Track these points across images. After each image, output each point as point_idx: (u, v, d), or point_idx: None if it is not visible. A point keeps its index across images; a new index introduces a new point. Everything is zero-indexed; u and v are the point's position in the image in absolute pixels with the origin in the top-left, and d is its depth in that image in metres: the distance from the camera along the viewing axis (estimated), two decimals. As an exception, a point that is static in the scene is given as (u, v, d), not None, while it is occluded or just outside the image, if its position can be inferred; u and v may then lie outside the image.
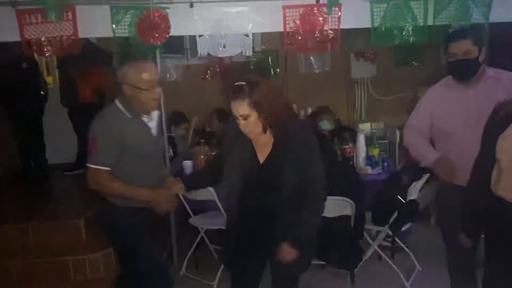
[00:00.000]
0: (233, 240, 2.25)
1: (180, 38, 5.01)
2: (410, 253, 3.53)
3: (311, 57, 5.33)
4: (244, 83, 2.01)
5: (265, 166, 2.13)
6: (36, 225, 3.49)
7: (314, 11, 3.15)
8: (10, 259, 3.26)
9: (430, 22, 3.23)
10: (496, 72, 2.50)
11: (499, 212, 1.96)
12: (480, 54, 2.40)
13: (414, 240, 3.84)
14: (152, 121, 2.43)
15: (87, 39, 4.03)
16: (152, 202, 2.36)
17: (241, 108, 2.00)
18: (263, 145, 2.13)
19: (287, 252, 2.08)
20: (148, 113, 2.39)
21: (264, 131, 2.07)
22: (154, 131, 2.42)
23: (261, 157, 2.14)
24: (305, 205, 2.08)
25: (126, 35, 3.13)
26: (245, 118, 2.02)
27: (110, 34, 3.13)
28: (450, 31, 2.88)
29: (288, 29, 3.18)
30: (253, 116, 2.01)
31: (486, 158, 1.99)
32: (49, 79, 5.63)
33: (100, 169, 2.28)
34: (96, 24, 3.11)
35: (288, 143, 2.07)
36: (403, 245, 3.56)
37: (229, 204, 2.29)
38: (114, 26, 3.09)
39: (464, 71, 2.43)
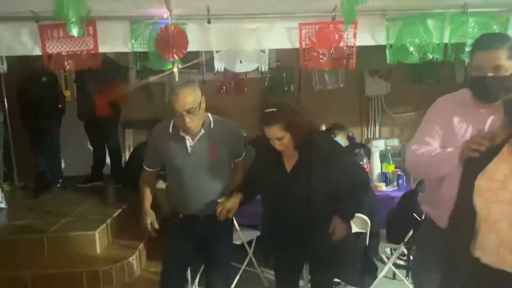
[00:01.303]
0: (270, 249, 2.56)
1: (196, 53, 5.08)
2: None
3: (325, 74, 5.34)
4: (275, 109, 2.24)
5: (291, 174, 2.34)
6: (50, 236, 3.52)
7: (330, 28, 3.18)
8: (25, 270, 3.28)
9: (446, 39, 3.24)
10: None
11: (479, 278, 1.54)
12: None
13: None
14: (193, 141, 2.43)
15: (104, 54, 4.11)
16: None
17: (277, 132, 2.24)
18: (290, 156, 2.35)
19: (339, 227, 2.25)
20: (186, 132, 2.42)
21: (296, 147, 2.30)
22: (190, 150, 2.44)
23: (288, 167, 2.36)
24: (353, 190, 2.31)
25: (145, 50, 3.19)
26: (280, 139, 2.26)
27: (129, 49, 3.19)
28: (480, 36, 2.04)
29: (304, 46, 3.21)
30: (287, 136, 2.26)
31: (466, 206, 1.57)
32: (67, 93, 5.74)
33: (144, 168, 2.62)
34: (115, 39, 3.17)
35: (313, 153, 2.29)
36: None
37: (263, 215, 2.53)
38: (133, 41, 3.15)
39: (490, 91, 1.87)
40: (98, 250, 3.49)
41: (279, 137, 2.26)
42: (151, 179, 2.66)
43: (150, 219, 2.53)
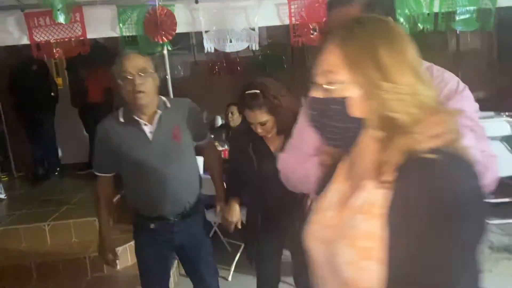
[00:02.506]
0: (255, 232, 2.28)
1: (186, 34, 5.04)
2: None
3: (319, 51, 5.32)
4: (258, 91, 2.04)
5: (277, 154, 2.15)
6: (51, 225, 3.56)
7: (319, 2, 3.15)
8: (29, 259, 3.33)
9: (436, 9, 3.22)
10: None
11: None
12: None
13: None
14: (151, 125, 2.05)
15: (94, 40, 4.07)
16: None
17: (259, 117, 2.06)
18: (273, 139, 2.16)
19: None
20: (143, 114, 2.03)
21: (280, 132, 2.10)
22: (151, 136, 2.04)
23: (273, 148, 2.17)
24: None
25: (133, 33, 3.16)
26: (263, 124, 2.08)
27: (118, 34, 3.16)
28: None
29: (293, 22, 3.19)
30: (271, 121, 2.07)
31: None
32: (59, 81, 5.71)
33: (98, 175, 2.18)
34: (103, 24, 3.15)
35: None
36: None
37: (249, 197, 2.32)
38: (121, 25, 3.12)
39: None
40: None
41: (262, 122, 2.07)
42: (108, 187, 2.18)
43: (110, 252, 2.18)
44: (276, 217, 2.20)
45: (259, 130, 2.10)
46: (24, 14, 3.06)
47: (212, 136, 3.86)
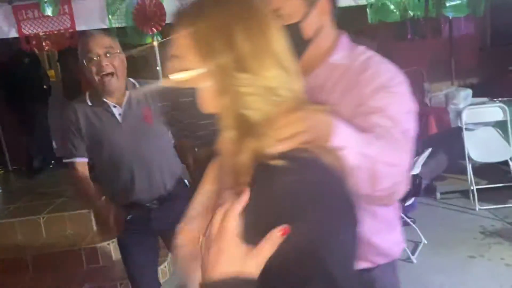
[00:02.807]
0: None
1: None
2: (415, 227, 3.56)
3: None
4: None
5: None
6: (47, 217, 3.58)
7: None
8: (25, 251, 3.36)
9: (426, -6, 3.20)
10: None
11: None
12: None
13: (419, 214, 3.87)
14: (120, 107, 1.94)
15: (84, 31, 4.05)
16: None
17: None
18: None
19: None
20: (111, 96, 1.92)
21: None
22: (120, 118, 1.94)
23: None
24: None
25: (123, 25, 3.14)
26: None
27: (107, 25, 3.14)
28: None
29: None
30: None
31: None
32: (51, 73, 5.68)
33: (74, 163, 1.99)
34: (92, 16, 3.12)
35: None
36: (407, 219, 3.59)
37: None
38: (110, 17, 3.10)
39: None
40: (95, 227, 3.55)
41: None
42: (85, 173, 2.01)
43: (114, 212, 1.96)
44: None
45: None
46: (12, 7, 3.04)
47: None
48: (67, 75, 4.99)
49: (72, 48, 3.47)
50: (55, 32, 3.11)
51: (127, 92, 1.95)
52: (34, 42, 3.19)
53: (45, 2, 2.89)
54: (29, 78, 4.66)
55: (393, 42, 5.31)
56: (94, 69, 1.84)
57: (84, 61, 1.85)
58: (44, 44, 3.18)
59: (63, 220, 3.56)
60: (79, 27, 3.13)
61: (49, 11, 2.94)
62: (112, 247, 3.36)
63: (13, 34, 3.09)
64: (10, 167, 5.20)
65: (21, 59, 4.56)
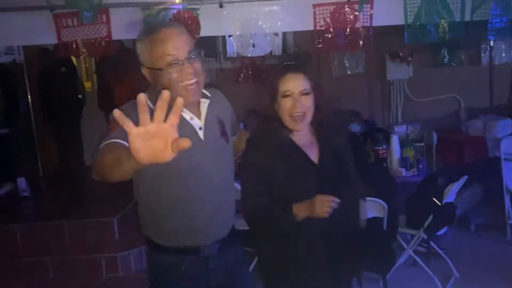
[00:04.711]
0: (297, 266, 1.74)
1: (213, 41, 5.06)
2: (447, 259, 3.38)
3: (345, 59, 5.26)
4: (298, 63, 1.89)
5: (321, 165, 1.76)
6: (71, 223, 3.59)
7: (345, 8, 3.09)
8: (46, 255, 3.37)
9: (467, 17, 3.10)
10: None
11: None
12: None
13: (452, 245, 3.68)
14: (198, 119, 1.58)
15: (121, 43, 4.14)
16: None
17: (304, 83, 1.71)
18: (309, 143, 1.80)
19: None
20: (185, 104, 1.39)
21: (314, 125, 1.79)
22: (201, 134, 1.56)
23: (313, 157, 1.77)
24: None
25: (158, 36, 3.18)
26: (307, 93, 1.71)
27: (143, 36, 3.19)
28: None
29: (318, 28, 3.13)
30: (311, 95, 1.72)
31: None
32: (87, 84, 5.84)
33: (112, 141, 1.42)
34: (128, 26, 3.17)
35: (334, 135, 1.83)
36: (439, 250, 3.41)
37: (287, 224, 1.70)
38: (145, 27, 3.14)
39: None
40: (117, 236, 3.54)
41: (306, 90, 1.69)
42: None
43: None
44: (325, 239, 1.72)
45: (298, 106, 1.68)
46: (53, 15, 3.13)
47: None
48: (102, 86, 5.10)
49: (109, 59, 3.57)
50: (92, 40, 3.17)
51: (203, 101, 1.60)
52: (71, 50, 3.27)
53: (85, 11, 2.96)
54: (65, 86, 4.78)
55: (429, 67, 5.20)
56: (174, 75, 1.47)
57: (159, 65, 1.46)
58: (81, 51, 3.24)
59: (86, 227, 3.57)
60: (115, 37, 3.18)
61: (87, 20, 3.00)
62: (132, 258, 3.33)
63: (52, 40, 3.17)
64: (41, 172, 5.30)
65: (58, 68, 4.69)
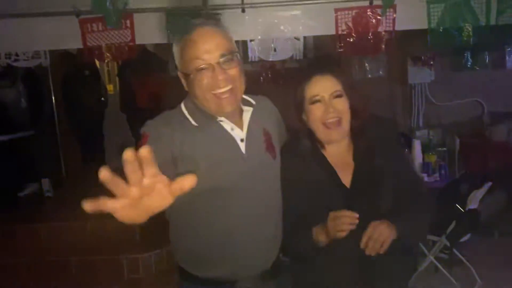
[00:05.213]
0: None
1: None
2: (470, 266, 3.32)
3: (366, 62, 5.22)
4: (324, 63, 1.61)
5: (353, 188, 1.50)
6: (93, 223, 3.65)
7: (367, 12, 3.08)
8: (69, 255, 3.43)
9: (492, 21, 3.05)
10: None
11: None
12: None
13: (475, 252, 3.61)
14: (240, 129, 1.41)
15: (144, 47, 4.20)
16: None
17: (334, 84, 1.49)
18: (343, 161, 1.53)
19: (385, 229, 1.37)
20: (221, 114, 1.37)
21: (353, 133, 1.54)
22: (244, 147, 1.39)
23: (345, 179, 1.51)
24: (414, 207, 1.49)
25: (181, 40, 3.21)
26: (340, 95, 1.49)
27: (165, 41, 3.23)
28: None
29: (340, 32, 3.13)
30: (344, 98, 1.50)
31: None
32: (110, 87, 5.94)
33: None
34: (152, 31, 3.22)
35: (375, 149, 1.52)
36: (462, 257, 3.36)
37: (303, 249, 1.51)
38: (169, 32, 3.19)
39: None
40: (138, 238, 3.58)
41: (338, 92, 1.47)
42: None
43: None
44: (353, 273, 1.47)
45: (331, 111, 1.46)
46: (79, 21, 3.19)
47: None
48: (124, 89, 5.17)
49: (131, 62, 3.63)
50: (116, 44, 3.23)
51: (245, 108, 1.44)
52: (95, 54, 3.33)
53: (110, 16, 3.01)
54: (88, 89, 4.87)
55: (451, 71, 5.12)
56: (204, 82, 1.31)
57: (187, 69, 1.32)
58: (105, 56, 3.30)
59: (108, 228, 3.62)
60: (138, 41, 3.23)
61: (112, 25, 3.06)
62: (153, 259, 3.36)
63: (78, 45, 3.24)
64: (64, 173, 5.40)
65: (82, 72, 4.78)
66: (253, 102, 1.49)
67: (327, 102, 1.49)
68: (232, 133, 1.40)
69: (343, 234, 1.34)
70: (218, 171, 1.32)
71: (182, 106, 1.46)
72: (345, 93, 1.51)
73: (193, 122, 1.39)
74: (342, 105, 1.49)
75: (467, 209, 3.02)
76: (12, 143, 4.32)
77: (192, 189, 1.04)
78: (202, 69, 1.32)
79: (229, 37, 1.37)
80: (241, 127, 1.42)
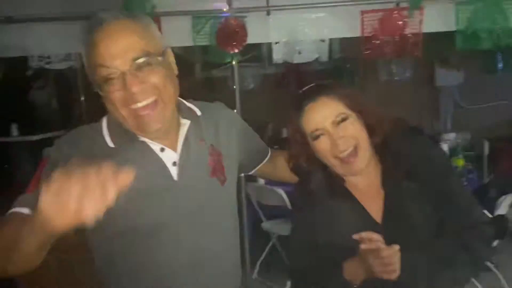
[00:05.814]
0: None
1: (259, 46, 5.11)
2: (498, 273, 3.24)
3: (392, 64, 5.17)
4: (328, 82, 1.36)
5: (386, 224, 1.24)
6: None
7: (394, 14, 3.05)
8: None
9: (524, 23, 2.98)
10: None
11: None
12: None
13: (503, 260, 3.53)
14: (172, 150, 1.14)
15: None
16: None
17: (332, 108, 1.23)
18: (370, 190, 1.29)
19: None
20: (145, 133, 1.10)
21: (381, 155, 1.29)
22: (175, 171, 1.12)
23: (375, 212, 1.26)
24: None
25: (206, 43, 3.26)
26: (345, 118, 1.23)
27: (191, 43, 3.28)
28: None
29: (366, 34, 3.11)
30: (353, 118, 1.24)
31: None
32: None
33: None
34: (178, 34, 3.27)
35: (409, 165, 1.25)
36: (489, 265, 3.28)
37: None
38: (195, 35, 3.24)
39: None
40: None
41: (341, 116, 1.21)
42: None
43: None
44: None
45: (340, 143, 1.21)
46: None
47: (277, 146, 3.50)
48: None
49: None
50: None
51: (183, 122, 1.16)
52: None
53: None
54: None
55: (481, 74, 5.01)
56: (115, 95, 1.04)
57: (92, 80, 1.06)
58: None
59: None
60: (166, 44, 3.29)
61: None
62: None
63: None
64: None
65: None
66: (198, 112, 1.21)
67: (331, 133, 1.22)
68: (161, 155, 1.11)
69: (395, 275, 1.09)
70: (141, 205, 1.04)
71: (104, 120, 1.18)
72: (353, 111, 1.24)
73: (109, 143, 1.11)
74: (352, 128, 1.23)
75: (495, 215, 2.95)
76: (44, 142, 4.45)
77: (112, 229, 0.94)
78: (110, 79, 1.03)
79: (149, 34, 1.08)
80: (174, 147, 1.13)
